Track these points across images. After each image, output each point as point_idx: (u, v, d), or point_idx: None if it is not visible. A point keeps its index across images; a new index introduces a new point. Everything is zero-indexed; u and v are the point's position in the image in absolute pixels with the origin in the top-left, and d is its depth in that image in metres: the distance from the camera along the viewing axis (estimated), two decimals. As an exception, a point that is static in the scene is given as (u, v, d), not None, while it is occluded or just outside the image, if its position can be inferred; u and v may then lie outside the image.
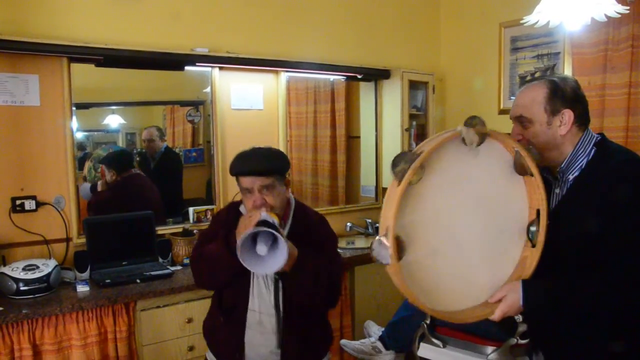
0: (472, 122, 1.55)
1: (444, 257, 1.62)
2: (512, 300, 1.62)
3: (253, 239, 1.79)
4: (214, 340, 2.18)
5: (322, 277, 1.93)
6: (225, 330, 2.09)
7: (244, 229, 1.81)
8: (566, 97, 1.68)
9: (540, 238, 1.68)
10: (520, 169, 1.66)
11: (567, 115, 1.67)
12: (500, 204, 1.69)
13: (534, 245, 1.70)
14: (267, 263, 1.79)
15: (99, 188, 3.30)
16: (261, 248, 1.77)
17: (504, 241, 1.71)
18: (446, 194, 1.60)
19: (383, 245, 1.47)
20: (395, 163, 1.48)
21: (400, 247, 1.49)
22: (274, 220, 1.85)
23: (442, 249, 1.62)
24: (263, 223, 1.80)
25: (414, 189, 1.49)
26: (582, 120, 1.70)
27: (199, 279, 2.14)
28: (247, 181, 1.98)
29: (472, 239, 1.66)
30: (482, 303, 1.69)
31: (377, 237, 1.50)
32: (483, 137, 1.56)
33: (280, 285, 2.01)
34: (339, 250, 2.29)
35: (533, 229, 1.68)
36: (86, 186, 3.23)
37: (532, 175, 1.65)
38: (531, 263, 1.69)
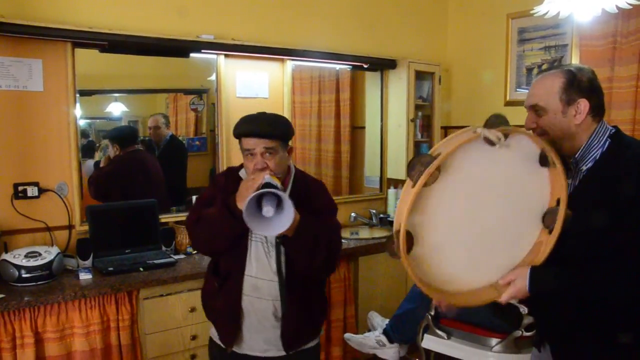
0: (495, 121, 1.55)
1: (462, 243, 1.62)
2: (520, 285, 1.63)
3: (257, 201, 1.77)
4: (212, 309, 2.15)
5: (321, 242, 1.93)
6: (221, 297, 2.06)
7: (246, 192, 1.81)
8: (582, 87, 1.66)
9: (558, 225, 1.67)
10: (545, 161, 1.66)
11: (583, 104, 1.65)
12: (522, 190, 1.68)
13: (550, 232, 1.70)
14: (272, 225, 1.78)
15: (102, 164, 3.29)
16: (268, 209, 1.76)
17: (523, 225, 1.71)
18: (464, 191, 1.59)
19: (394, 242, 1.49)
20: (411, 166, 1.48)
21: (409, 241, 1.50)
22: (277, 183, 1.84)
23: (460, 235, 1.62)
24: (267, 185, 1.78)
25: (432, 187, 1.49)
26: (597, 111, 1.68)
27: (198, 243, 2.13)
28: (250, 142, 1.97)
29: (491, 222, 1.65)
30: (491, 285, 1.69)
31: (391, 234, 1.52)
32: (507, 134, 1.56)
33: (282, 250, 1.99)
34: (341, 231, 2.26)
35: (549, 215, 1.68)
36: (90, 163, 3.23)
37: (555, 165, 1.65)
38: (545, 249, 1.69)
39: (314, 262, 1.95)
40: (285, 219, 1.76)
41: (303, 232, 1.89)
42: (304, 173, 2.20)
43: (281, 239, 1.95)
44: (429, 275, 1.59)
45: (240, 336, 2.06)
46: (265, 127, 1.97)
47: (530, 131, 1.67)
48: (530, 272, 1.63)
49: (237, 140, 2.06)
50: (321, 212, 2.03)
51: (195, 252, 3.16)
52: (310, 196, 2.05)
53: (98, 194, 3.19)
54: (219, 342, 2.12)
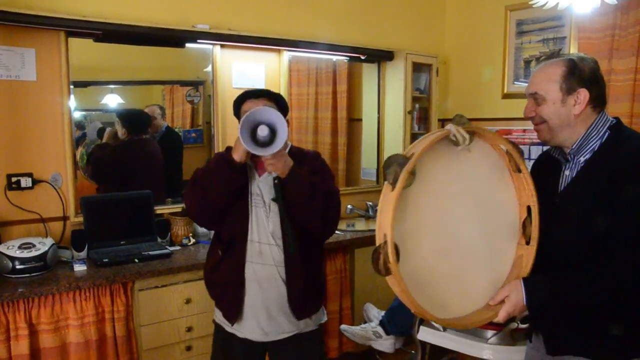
0: (460, 120, 1.55)
1: (444, 261, 1.60)
2: (516, 300, 1.60)
3: (253, 132, 1.83)
4: (214, 283, 2.13)
5: (317, 191, 1.93)
6: (225, 266, 2.06)
7: (240, 143, 1.84)
8: (583, 76, 1.64)
9: (534, 235, 1.67)
10: (510, 166, 1.66)
11: (583, 94, 1.64)
12: (492, 203, 1.68)
13: (527, 243, 1.68)
14: (265, 148, 1.83)
15: (105, 138, 3.25)
16: (262, 129, 1.82)
17: (500, 241, 1.70)
18: (440, 196, 1.59)
19: (383, 255, 1.44)
20: (387, 164, 1.47)
21: (396, 255, 1.46)
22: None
23: (440, 252, 1.59)
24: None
25: (408, 192, 1.47)
26: (597, 102, 1.66)
27: (194, 201, 2.02)
28: (250, 105, 2.02)
29: (469, 240, 1.64)
30: (485, 306, 1.66)
31: (376, 247, 1.47)
32: (472, 135, 1.57)
33: (275, 210, 2.00)
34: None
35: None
36: (97, 124, 3.20)
37: (520, 172, 1.65)
38: (527, 261, 1.68)
39: (311, 207, 1.93)
40: (278, 141, 1.81)
41: (298, 176, 1.91)
42: (301, 147, 2.23)
43: (279, 183, 1.94)
44: (422, 297, 1.52)
45: (242, 312, 2.05)
46: (263, 89, 2.19)
47: (492, 134, 1.64)
48: (525, 283, 1.61)
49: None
50: (318, 171, 2.05)
51: (190, 243, 3.16)
52: (306, 161, 2.07)
53: (95, 176, 3.17)
54: (222, 322, 2.13)
